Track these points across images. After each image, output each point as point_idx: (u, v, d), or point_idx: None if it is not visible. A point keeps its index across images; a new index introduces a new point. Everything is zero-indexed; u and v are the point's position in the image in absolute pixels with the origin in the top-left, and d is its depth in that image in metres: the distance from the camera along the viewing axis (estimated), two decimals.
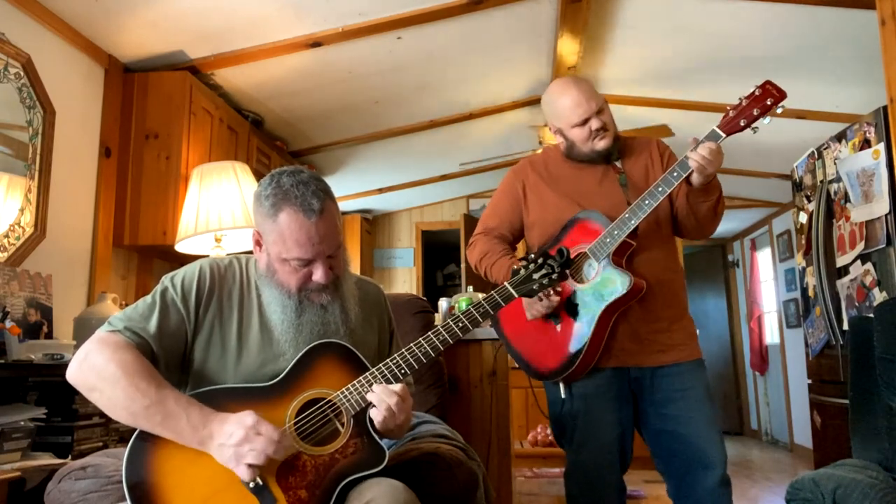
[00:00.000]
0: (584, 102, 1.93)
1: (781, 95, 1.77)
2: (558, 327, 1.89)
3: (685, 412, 1.88)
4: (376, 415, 1.36)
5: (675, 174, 1.81)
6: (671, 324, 1.94)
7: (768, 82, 1.79)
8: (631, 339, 1.90)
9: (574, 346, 1.85)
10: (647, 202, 1.82)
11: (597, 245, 1.85)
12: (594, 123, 1.94)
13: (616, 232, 1.82)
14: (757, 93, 1.78)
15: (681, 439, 1.87)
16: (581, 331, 1.84)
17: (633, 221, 1.82)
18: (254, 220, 1.43)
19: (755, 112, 1.77)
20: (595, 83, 4.09)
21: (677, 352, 1.92)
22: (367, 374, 1.39)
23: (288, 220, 1.34)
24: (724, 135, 1.79)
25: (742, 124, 1.78)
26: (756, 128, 1.79)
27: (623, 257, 1.85)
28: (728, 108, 1.82)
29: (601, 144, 1.96)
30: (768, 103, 1.77)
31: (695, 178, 1.81)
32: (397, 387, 1.38)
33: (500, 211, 2.11)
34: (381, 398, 1.35)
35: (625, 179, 1.99)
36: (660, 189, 1.82)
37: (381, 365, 1.41)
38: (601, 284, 1.83)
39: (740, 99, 1.80)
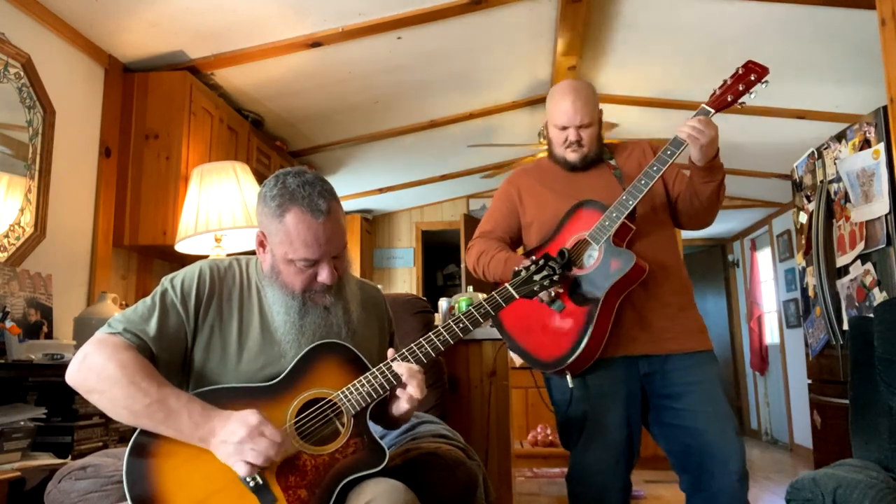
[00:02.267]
0: (570, 112, 1.97)
1: (764, 71, 1.83)
2: (561, 314, 1.87)
3: (699, 406, 1.85)
4: (402, 391, 1.39)
5: (669, 152, 1.85)
6: (679, 311, 1.93)
7: (750, 61, 1.85)
8: (638, 326, 1.88)
9: (579, 331, 1.82)
10: (643, 181, 1.84)
11: (596, 229, 1.85)
12: (571, 134, 1.99)
13: (615, 214, 1.84)
14: (740, 71, 1.85)
15: (695, 434, 1.84)
16: (586, 315, 1.82)
17: (631, 202, 1.83)
18: (258, 220, 1.43)
19: (740, 87, 1.83)
20: (595, 83, 4.09)
21: (686, 340, 1.90)
22: (367, 374, 1.40)
23: (295, 220, 1.34)
24: (713, 110, 1.85)
25: (729, 99, 1.84)
26: (743, 103, 1.85)
27: (624, 241, 1.86)
28: (715, 88, 1.88)
29: (571, 156, 2.02)
30: (752, 79, 1.83)
31: (694, 155, 1.83)
32: (416, 367, 1.40)
33: (497, 216, 2.13)
34: (410, 372, 1.39)
35: (619, 174, 2.02)
36: (655, 168, 1.85)
37: (381, 365, 1.41)
38: (603, 267, 1.83)
39: (725, 79, 1.86)
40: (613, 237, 1.83)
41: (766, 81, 1.83)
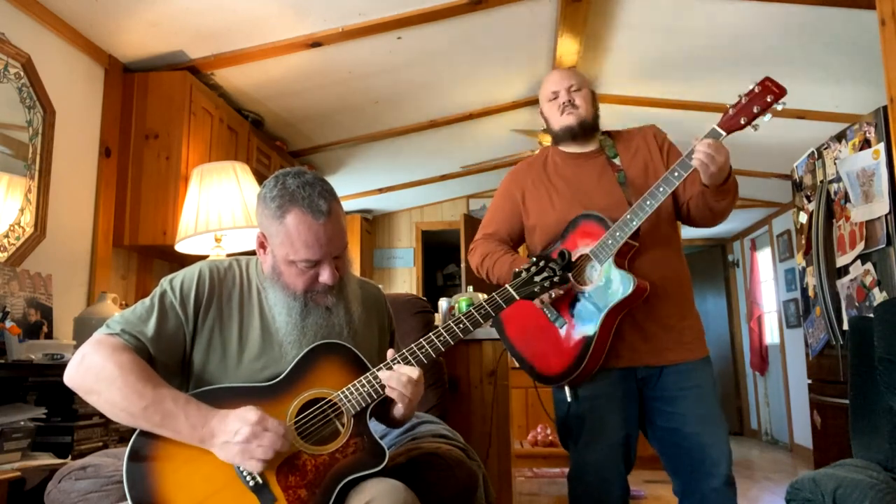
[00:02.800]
0: (559, 80, 2.03)
1: (781, 92, 1.73)
2: (562, 330, 1.88)
3: (691, 410, 1.87)
4: (392, 391, 1.38)
5: (677, 174, 1.80)
6: (679, 321, 1.93)
7: (768, 79, 1.75)
8: (640, 339, 1.89)
9: (578, 349, 1.84)
10: (648, 203, 1.80)
11: (599, 247, 1.84)
12: (562, 96, 2.01)
13: (618, 234, 1.81)
14: (756, 90, 1.75)
15: (686, 437, 1.87)
16: (585, 334, 1.83)
17: (634, 223, 1.81)
18: (258, 222, 1.43)
19: (755, 109, 1.73)
20: (595, 83, 4.09)
21: (686, 350, 1.91)
22: (367, 374, 1.40)
23: (296, 221, 1.34)
24: (724, 133, 1.76)
25: (742, 122, 1.74)
26: (756, 125, 1.76)
27: (626, 258, 1.85)
28: (728, 106, 1.79)
29: (568, 119, 2.00)
30: (768, 100, 1.73)
31: (705, 178, 1.78)
32: (413, 369, 1.39)
33: (499, 216, 2.12)
34: (397, 374, 1.38)
35: (623, 178, 1.98)
36: (661, 189, 1.80)
37: (381, 366, 1.41)
38: (604, 287, 1.82)
39: (740, 96, 1.77)
40: (616, 256, 1.82)
41: (784, 103, 1.74)
